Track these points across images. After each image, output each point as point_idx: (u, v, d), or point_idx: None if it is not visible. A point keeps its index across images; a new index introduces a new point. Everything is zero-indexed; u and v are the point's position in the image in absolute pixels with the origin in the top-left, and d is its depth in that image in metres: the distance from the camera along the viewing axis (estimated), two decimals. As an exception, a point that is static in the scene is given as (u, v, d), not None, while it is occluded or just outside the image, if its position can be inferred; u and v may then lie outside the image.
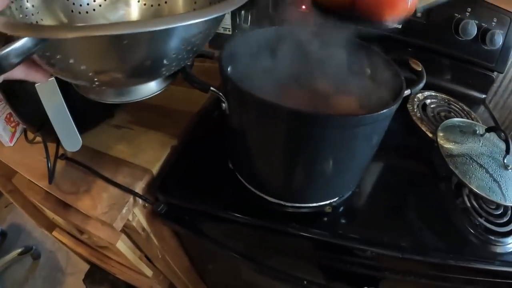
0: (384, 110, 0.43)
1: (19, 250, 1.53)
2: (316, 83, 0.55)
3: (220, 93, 0.47)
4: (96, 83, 0.40)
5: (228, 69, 0.50)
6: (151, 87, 0.51)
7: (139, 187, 0.62)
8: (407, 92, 0.49)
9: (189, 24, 0.30)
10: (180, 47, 0.38)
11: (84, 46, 0.33)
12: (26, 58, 0.28)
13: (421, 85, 0.53)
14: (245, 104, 0.47)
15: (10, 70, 0.28)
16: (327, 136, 0.45)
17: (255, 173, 0.57)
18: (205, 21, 0.32)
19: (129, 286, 1.18)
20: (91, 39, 0.31)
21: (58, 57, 0.33)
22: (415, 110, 0.83)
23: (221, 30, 0.94)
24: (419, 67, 0.56)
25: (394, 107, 0.45)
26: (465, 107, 0.88)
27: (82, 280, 1.32)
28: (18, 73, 0.36)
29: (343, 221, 0.59)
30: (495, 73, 0.95)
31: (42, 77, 0.39)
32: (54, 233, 1.02)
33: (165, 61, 0.39)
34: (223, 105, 0.49)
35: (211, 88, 0.47)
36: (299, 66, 0.56)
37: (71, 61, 0.34)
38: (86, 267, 1.35)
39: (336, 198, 0.60)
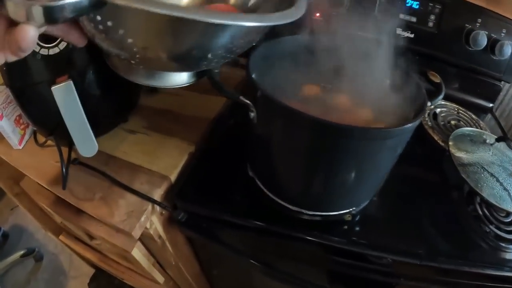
0: (411, 124, 0.44)
1: (21, 252, 1.51)
2: (338, 92, 0.55)
3: (249, 102, 0.47)
4: (136, 59, 0.39)
5: (253, 76, 0.50)
6: (181, 78, 0.51)
7: (157, 194, 0.61)
8: (428, 104, 0.50)
9: (255, 25, 0.30)
10: (229, 45, 0.38)
11: (141, 21, 0.33)
12: (80, 15, 0.28)
13: (440, 97, 0.54)
14: (274, 113, 0.47)
15: (61, 23, 0.28)
16: (355, 148, 0.45)
17: (277, 181, 0.58)
18: (263, 27, 0.32)
19: (135, 291, 1.17)
20: (152, 16, 0.30)
21: (109, 24, 0.32)
22: (427, 119, 0.83)
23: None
24: (437, 79, 0.57)
25: (419, 120, 0.46)
26: (473, 116, 0.89)
27: (87, 284, 1.31)
28: (59, 30, 0.35)
29: (361, 229, 0.59)
30: (503, 82, 0.96)
31: (80, 40, 0.37)
32: (61, 237, 1.01)
33: (209, 55, 0.39)
34: (251, 114, 0.49)
35: (240, 97, 0.46)
36: (321, 74, 0.56)
37: (121, 31, 0.33)
38: (89, 270, 1.34)
39: (355, 207, 0.60)
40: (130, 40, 0.35)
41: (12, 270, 1.52)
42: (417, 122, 0.45)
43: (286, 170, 0.55)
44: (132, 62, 0.41)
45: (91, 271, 1.35)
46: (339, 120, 0.41)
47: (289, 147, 0.50)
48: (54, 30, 0.34)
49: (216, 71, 0.47)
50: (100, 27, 0.33)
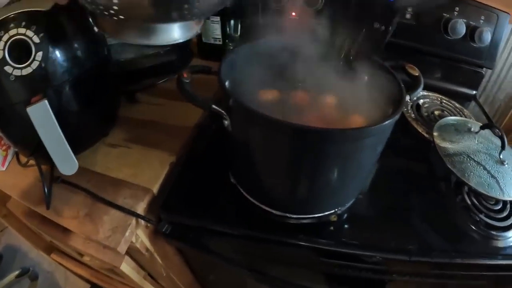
0: (389, 120, 0.44)
1: (16, 273, 1.49)
2: (313, 93, 0.54)
3: (222, 111, 0.47)
4: (114, 7, 0.38)
5: (227, 83, 0.50)
6: (172, 35, 0.49)
7: (141, 208, 0.61)
8: (406, 98, 0.49)
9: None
10: None
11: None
12: None
13: (419, 90, 0.54)
14: (249, 121, 0.47)
15: None
16: (333, 150, 0.45)
17: (259, 187, 0.57)
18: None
19: (131, 304, 1.16)
20: None
21: None
22: (410, 111, 0.83)
23: (211, 41, 0.93)
24: (416, 72, 0.56)
25: (397, 116, 0.45)
26: (457, 105, 0.89)
27: (82, 300, 1.30)
28: None
29: (348, 228, 0.59)
30: (484, 69, 0.96)
31: None
32: (53, 255, 1.00)
33: None
34: (226, 122, 0.48)
35: (213, 106, 0.46)
36: (295, 77, 0.56)
37: None
38: (85, 286, 1.33)
39: (340, 207, 0.60)
40: None
41: (9, 292, 1.50)
42: (394, 119, 0.45)
43: (265, 176, 0.54)
44: (111, 12, 0.40)
45: (87, 286, 1.33)
46: (318, 122, 0.41)
47: (266, 153, 0.50)
48: None
49: (187, 81, 0.46)
50: None
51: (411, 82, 0.55)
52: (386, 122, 0.43)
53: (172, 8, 0.43)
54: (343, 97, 0.52)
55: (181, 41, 0.50)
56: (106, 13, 0.42)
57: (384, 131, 0.47)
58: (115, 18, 0.42)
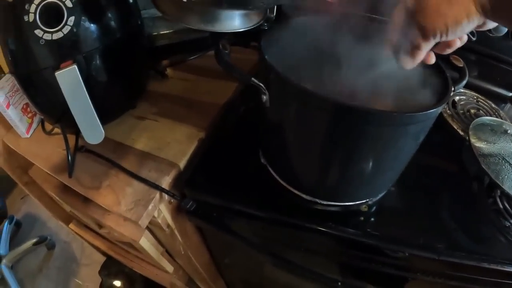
0: (435, 109, 0.41)
1: (34, 240, 1.53)
2: (355, 78, 0.52)
3: (261, 84, 0.45)
4: None
5: (266, 57, 0.48)
6: (234, 23, 0.50)
7: (165, 182, 0.60)
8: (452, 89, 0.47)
9: None
10: None
11: None
12: None
13: (464, 82, 0.51)
14: (288, 96, 0.45)
15: None
16: (375, 134, 0.42)
17: (291, 169, 0.56)
18: None
19: (145, 279, 1.17)
20: None
21: None
22: (445, 106, 0.80)
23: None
24: (460, 63, 0.54)
25: (444, 105, 0.43)
26: (493, 105, 0.86)
27: (97, 272, 1.32)
28: None
29: (377, 220, 0.57)
30: (523, 71, 0.92)
31: None
32: (71, 225, 1.02)
33: None
34: (264, 97, 0.46)
35: (252, 78, 0.44)
36: (336, 58, 0.53)
37: None
38: (101, 258, 1.35)
39: (372, 197, 0.58)
40: None
41: (25, 258, 1.54)
42: (441, 107, 0.43)
43: (300, 158, 0.53)
44: None
45: (103, 258, 1.35)
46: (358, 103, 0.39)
47: (304, 132, 0.48)
48: None
49: (226, 51, 0.44)
50: None
51: (455, 75, 0.53)
52: (432, 110, 0.42)
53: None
54: (386, 83, 0.49)
55: (241, 30, 0.50)
56: None
57: (428, 120, 0.44)
58: (184, 0, 0.42)
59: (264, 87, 0.45)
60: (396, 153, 0.48)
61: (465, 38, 0.39)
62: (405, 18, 0.38)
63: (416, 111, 0.40)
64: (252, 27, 0.50)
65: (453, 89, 0.48)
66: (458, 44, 0.40)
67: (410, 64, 0.41)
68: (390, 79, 0.50)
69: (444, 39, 0.37)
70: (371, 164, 0.47)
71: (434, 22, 0.35)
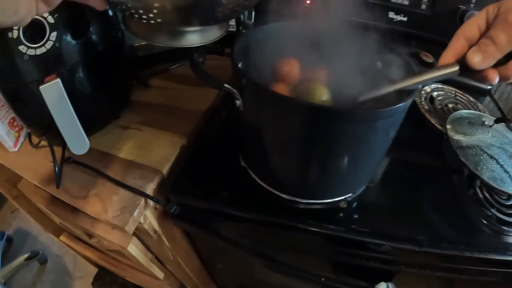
0: (403, 103, 0.43)
1: (26, 255, 1.52)
2: (326, 77, 0.54)
3: (234, 90, 0.47)
4: (154, 11, 0.41)
5: (240, 64, 0.49)
6: (199, 37, 0.51)
7: (150, 189, 0.61)
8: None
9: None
10: None
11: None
12: None
13: (433, 77, 0.53)
14: (261, 100, 0.46)
15: None
16: (346, 131, 0.44)
17: (270, 171, 0.57)
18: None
19: (138, 288, 1.18)
20: None
21: None
22: (423, 102, 0.82)
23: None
24: (430, 59, 0.56)
25: (410, 100, 0.45)
26: (471, 99, 0.88)
27: (91, 284, 1.32)
28: None
29: (358, 216, 0.58)
30: (500, 63, 0.94)
31: (100, 3, 0.42)
32: (62, 237, 1.02)
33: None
34: (237, 102, 0.48)
35: (225, 85, 0.46)
36: (309, 61, 0.55)
37: None
38: (94, 270, 1.35)
39: (351, 194, 0.59)
40: None
41: (18, 274, 1.53)
42: (407, 103, 0.44)
43: (276, 159, 0.54)
44: (150, 16, 0.42)
45: (96, 270, 1.35)
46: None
47: (277, 134, 0.50)
48: None
49: (200, 60, 0.46)
50: None
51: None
52: (398, 106, 0.43)
53: (204, 13, 0.45)
54: (356, 82, 0.51)
55: (206, 43, 0.52)
56: (144, 17, 0.44)
57: (396, 115, 0.46)
58: (152, 22, 0.44)
59: (237, 93, 0.47)
60: (368, 149, 0.49)
61: None
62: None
63: (380, 107, 0.42)
64: (217, 39, 0.53)
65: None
66: None
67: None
68: (362, 78, 0.52)
69: None
70: (345, 160, 0.49)
71: None
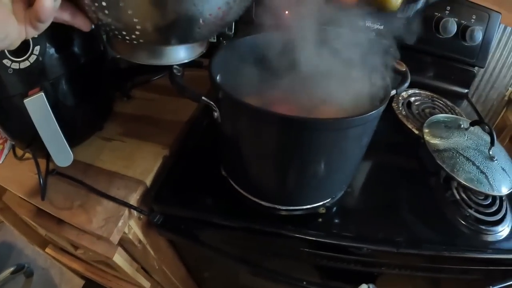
0: (373, 112, 0.44)
1: (11, 269, 1.49)
2: (302, 88, 0.55)
3: (212, 102, 0.48)
4: (136, 33, 0.43)
5: (218, 77, 0.51)
6: (179, 55, 0.53)
7: (133, 199, 0.62)
8: (393, 92, 0.50)
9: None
10: (216, 9, 0.43)
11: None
12: None
13: (406, 85, 0.54)
14: (237, 112, 0.48)
15: None
16: (319, 140, 0.45)
17: (249, 179, 0.58)
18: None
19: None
20: None
21: None
22: (400, 108, 0.84)
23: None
24: (403, 68, 0.57)
25: (382, 108, 0.46)
26: (448, 103, 0.91)
27: (77, 296, 1.30)
28: (66, 16, 0.41)
29: (337, 220, 0.60)
30: (476, 68, 0.97)
31: (85, 24, 0.44)
32: (47, 250, 1.01)
33: (201, 21, 0.43)
34: (215, 113, 0.49)
35: (203, 97, 0.47)
36: (286, 71, 0.57)
37: (122, 4, 0.39)
38: (80, 282, 1.34)
39: (329, 199, 0.60)
40: (130, 12, 0.40)
41: (4, 288, 1.50)
42: (378, 111, 0.46)
43: (254, 168, 0.55)
44: (133, 37, 0.44)
45: (82, 282, 1.34)
46: (304, 114, 0.42)
47: (253, 144, 0.51)
48: (62, 15, 0.40)
49: (179, 74, 0.47)
50: (103, 3, 0.39)
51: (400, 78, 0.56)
52: (367, 114, 0.44)
53: (184, 33, 0.46)
54: (331, 91, 0.53)
55: (186, 61, 0.54)
56: (127, 38, 0.45)
57: (367, 123, 0.47)
58: (135, 42, 0.46)
59: (215, 105, 0.48)
60: (342, 156, 0.51)
61: None
62: None
63: (350, 116, 0.43)
64: (197, 56, 0.54)
65: (394, 91, 0.51)
66: None
67: None
68: (338, 87, 0.54)
69: None
70: (320, 168, 0.50)
71: None
